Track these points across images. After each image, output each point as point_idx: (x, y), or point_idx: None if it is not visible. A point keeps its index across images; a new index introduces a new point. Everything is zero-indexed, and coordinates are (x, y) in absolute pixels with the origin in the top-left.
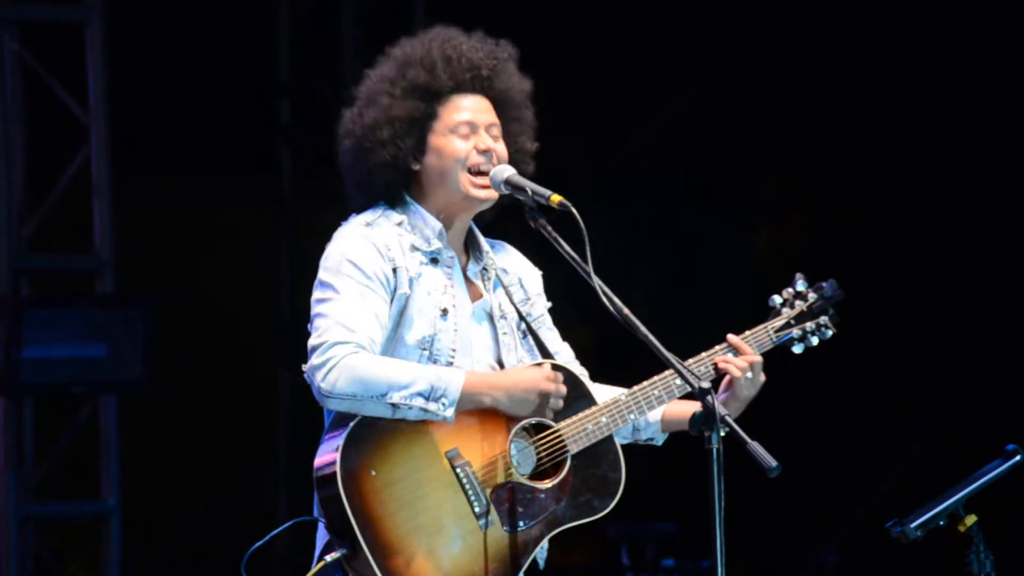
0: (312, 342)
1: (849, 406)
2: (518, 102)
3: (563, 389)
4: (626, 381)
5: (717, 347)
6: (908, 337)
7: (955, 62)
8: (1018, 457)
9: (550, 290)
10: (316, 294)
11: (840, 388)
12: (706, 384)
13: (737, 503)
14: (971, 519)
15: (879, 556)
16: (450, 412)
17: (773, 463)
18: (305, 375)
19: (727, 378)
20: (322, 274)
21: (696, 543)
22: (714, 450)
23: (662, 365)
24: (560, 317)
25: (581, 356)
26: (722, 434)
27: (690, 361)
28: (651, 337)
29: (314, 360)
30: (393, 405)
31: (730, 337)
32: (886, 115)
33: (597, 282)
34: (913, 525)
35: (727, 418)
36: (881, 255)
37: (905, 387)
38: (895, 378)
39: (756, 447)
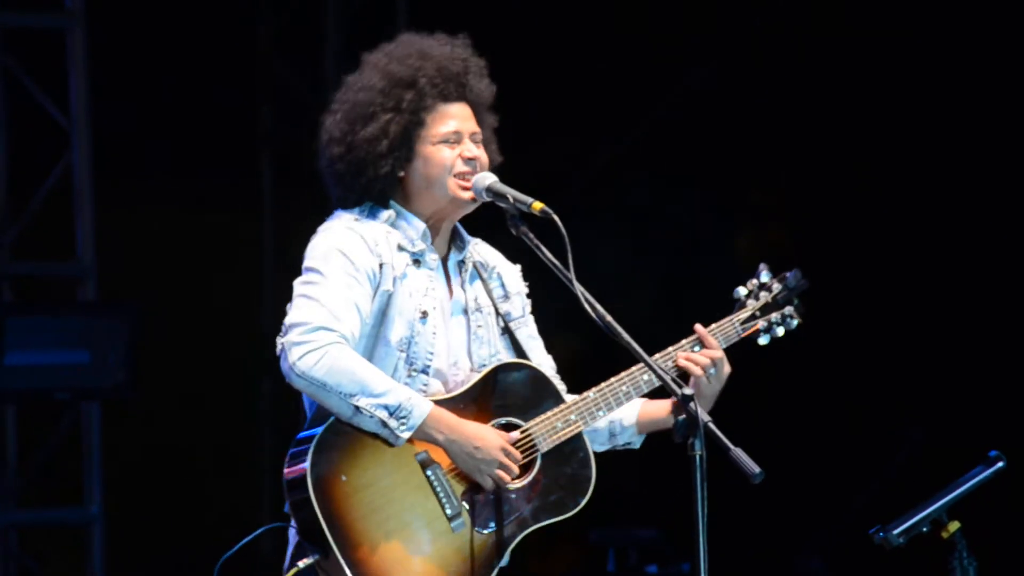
0: (293, 318)
1: (834, 411)
2: (487, 104)
3: (513, 468)
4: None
5: (684, 340)
6: (895, 342)
7: (942, 66)
8: (1001, 463)
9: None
10: (301, 278)
11: (825, 393)
12: (689, 391)
13: (721, 509)
14: (954, 525)
15: (863, 562)
16: (405, 435)
17: (756, 470)
18: (279, 347)
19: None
20: (308, 261)
21: (679, 549)
22: (697, 456)
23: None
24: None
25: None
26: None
27: (656, 356)
28: (633, 343)
29: (293, 336)
30: (356, 407)
31: (698, 328)
32: (874, 119)
33: (579, 289)
34: (896, 532)
35: (710, 425)
36: (867, 260)
37: (892, 393)
38: (882, 383)
39: (739, 453)
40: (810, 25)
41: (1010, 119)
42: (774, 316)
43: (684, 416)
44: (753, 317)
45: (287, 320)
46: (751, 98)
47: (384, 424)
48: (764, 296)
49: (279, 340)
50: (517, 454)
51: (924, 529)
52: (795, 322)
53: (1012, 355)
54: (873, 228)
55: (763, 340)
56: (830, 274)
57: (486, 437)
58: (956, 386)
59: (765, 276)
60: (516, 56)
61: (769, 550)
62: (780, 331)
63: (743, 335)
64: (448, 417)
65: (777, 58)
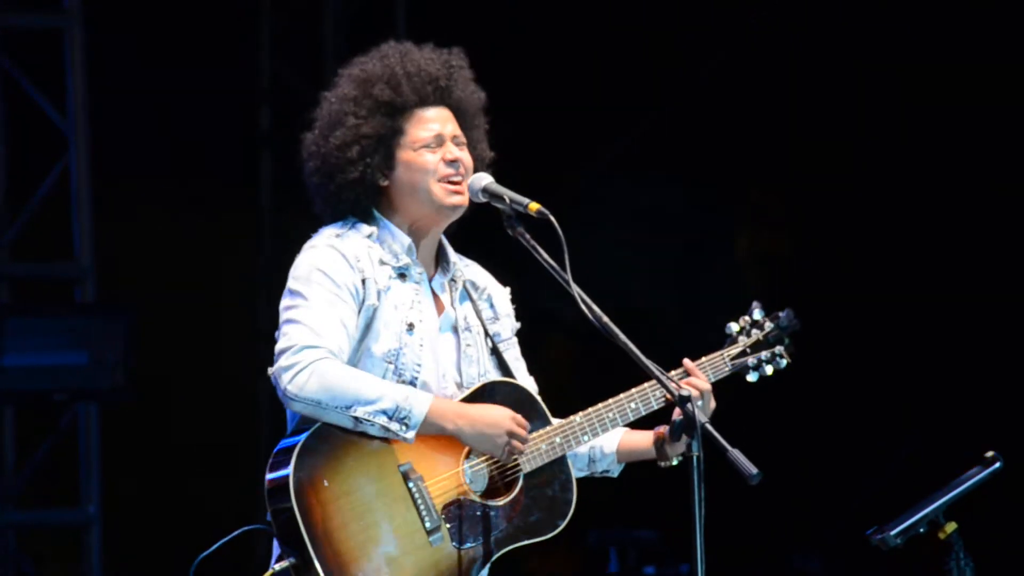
0: (281, 345)
1: (832, 412)
2: (475, 110)
3: (526, 436)
4: (614, 386)
5: (673, 372)
6: (893, 343)
7: (943, 65)
8: (997, 464)
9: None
10: (285, 302)
11: (822, 394)
12: (686, 392)
13: (719, 510)
14: (951, 526)
15: (861, 563)
16: (410, 435)
17: (754, 471)
18: (271, 377)
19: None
20: (291, 283)
21: (677, 550)
22: (695, 457)
23: (642, 373)
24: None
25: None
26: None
27: (645, 386)
28: (630, 344)
29: (283, 362)
30: (356, 418)
31: (686, 362)
32: (874, 118)
33: (576, 290)
34: (893, 532)
35: (707, 426)
36: (866, 260)
37: (890, 393)
38: (879, 385)
39: (737, 455)
40: (810, 23)
41: (1011, 120)
42: (764, 354)
43: (681, 417)
44: (743, 354)
45: (275, 349)
46: (751, 97)
47: (386, 429)
48: (756, 334)
49: (270, 370)
50: (523, 422)
51: (921, 530)
52: (784, 361)
53: (1009, 356)
54: (872, 228)
55: (751, 377)
56: (829, 274)
57: (491, 414)
58: (954, 386)
59: (758, 314)
60: (515, 55)
61: (767, 551)
62: (769, 369)
63: (733, 371)
64: (451, 406)
65: (777, 57)
